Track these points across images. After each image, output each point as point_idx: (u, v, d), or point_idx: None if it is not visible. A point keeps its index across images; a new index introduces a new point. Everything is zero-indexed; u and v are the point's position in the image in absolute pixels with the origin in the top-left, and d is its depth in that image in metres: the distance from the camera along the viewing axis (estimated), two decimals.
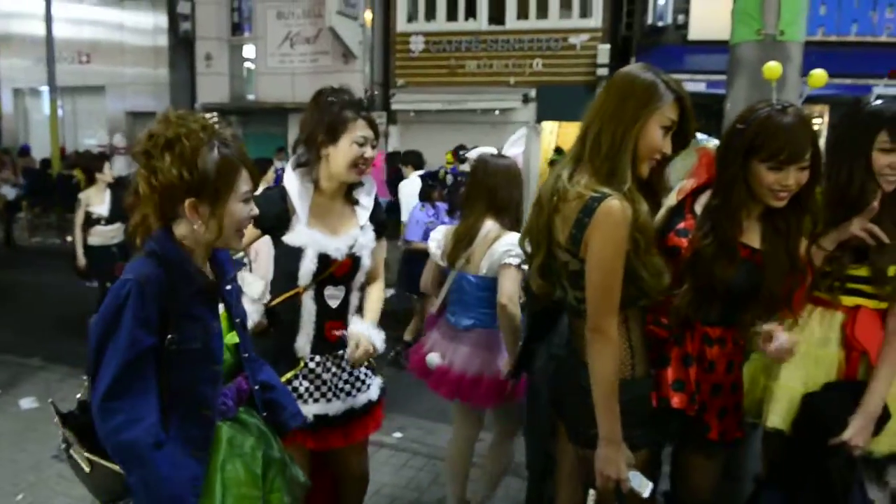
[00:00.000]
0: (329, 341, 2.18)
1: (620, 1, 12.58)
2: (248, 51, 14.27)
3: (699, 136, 1.87)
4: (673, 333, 1.91)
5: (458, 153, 8.12)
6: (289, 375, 2.14)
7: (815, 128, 1.81)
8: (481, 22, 12.88)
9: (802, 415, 1.91)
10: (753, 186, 1.80)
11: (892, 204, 1.89)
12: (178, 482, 1.50)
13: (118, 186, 6.17)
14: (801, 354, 1.92)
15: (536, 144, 4.18)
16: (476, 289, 2.66)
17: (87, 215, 5.83)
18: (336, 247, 2.14)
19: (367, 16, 12.69)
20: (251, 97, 14.21)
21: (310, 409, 2.14)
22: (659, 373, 1.89)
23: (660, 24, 11.73)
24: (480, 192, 2.67)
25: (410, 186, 6.27)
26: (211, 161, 1.52)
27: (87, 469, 1.56)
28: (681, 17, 11.71)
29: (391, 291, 5.55)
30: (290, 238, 2.13)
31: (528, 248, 1.89)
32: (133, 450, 1.47)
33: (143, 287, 1.47)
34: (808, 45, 7.90)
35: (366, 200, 2.25)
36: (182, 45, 14.16)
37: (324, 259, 2.13)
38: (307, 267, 2.12)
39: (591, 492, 1.78)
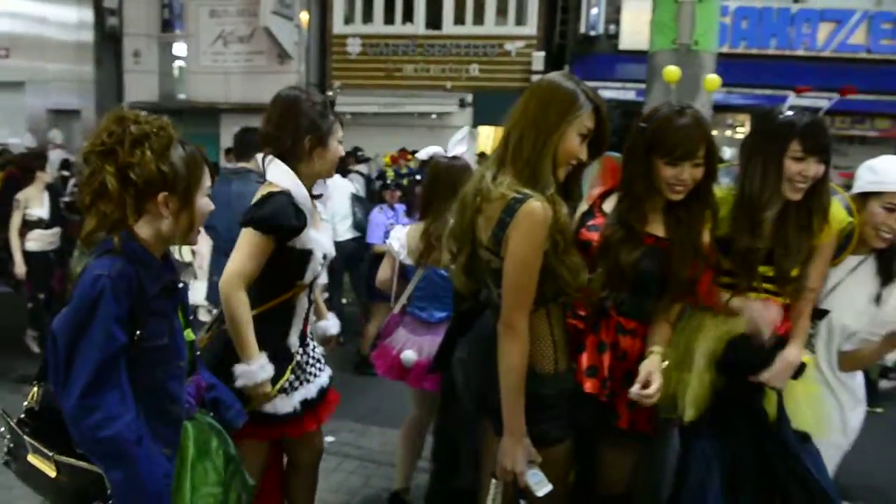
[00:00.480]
0: (304, 333, 2.29)
1: (555, 10, 12.84)
2: (179, 49, 13.85)
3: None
4: (589, 323, 1.99)
5: (405, 155, 8.20)
6: (288, 373, 2.17)
7: (739, 135, 1.93)
8: (418, 26, 12.91)
9: (730, 355, 2.02)
10: (654, 181, 1.92)
11: (797, 211, 1.99)
12: (157, 479, 1.52)
13: (54, 187, 5.88)
14: (714, 348, 2.02)
15: (473, 148, 4.24)
16: (448, 282, 2.70)
17: (25, 218, 5.39)
18: (330, 245, 2.28)
19: (304, 16, 12.54)
20: (182, 96, 13.80)
21: (296, 398, 2.19)
22: (577, 358, 1.98)
23: (592, 33, 12.03)
24: (444, 191, 2.70)
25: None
26: (180, 157, 1.57)
27: (52, 474, 1.52)
28: (612, 28, 12.05)
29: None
30: (299, 242, 2.14)
31: (453, 248, 1.93)
32: (115, 446, 1.46)
33: (115, 283, 1.48)
34: (731, 56, 8.30)
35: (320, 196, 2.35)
36: (108, 42, 13.62)
37: (325, 258, 2.23)
38: (314, 268, 2.19)
39: (493, 482, 1.83)
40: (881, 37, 11.93)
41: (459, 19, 12.75)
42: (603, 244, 1.95)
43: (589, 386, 1.97)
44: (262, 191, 2.17)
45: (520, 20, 12.74)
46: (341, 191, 6.13)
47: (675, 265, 1.93)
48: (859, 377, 2.31)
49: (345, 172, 7.57)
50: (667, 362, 1.98)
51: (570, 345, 1.95)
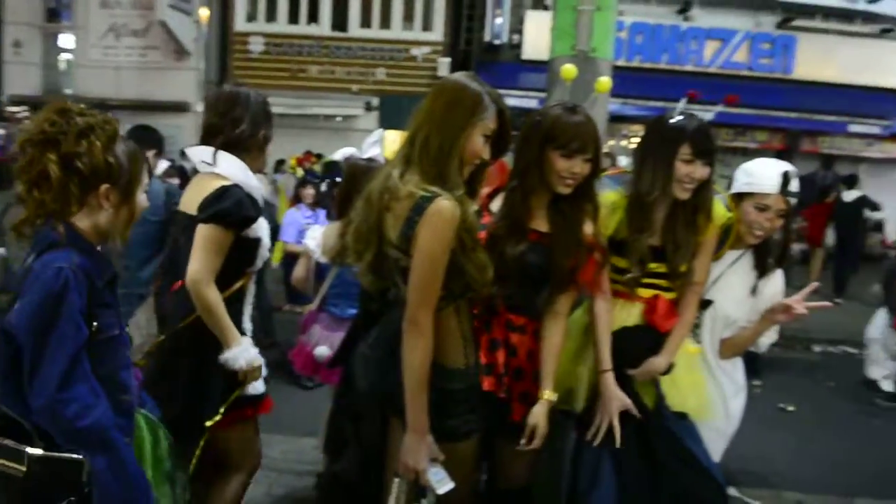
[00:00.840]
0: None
1: (460, 17, 13.03)
2: (66, 40, 13.05)
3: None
4: (481, 321, 2.03)
5: (310, 158, 8.08)
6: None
7: (633, 144, 2.03)
8: (324, 27, 12.75)
9: (618, 346, 2.14)
10: (546, 173, 1.99)
11: (684, 210, 2.11)
12: (135, 463, 1.58)
13: None
14: (607, 342, 2.11)
15: (380, 153, 4.22)
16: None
17: None
18: (268, 231, 2.33)
19: (203, 12, 12.12)
20: (69, 91, 12.98)
21: (260, 383, 2.27)
22: None
23: (496, 42, 12.30)
24: (362, 191, 2.69)
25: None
26: (123, 151, 1.60)
27: (22, 468, 1.46)
28: (515, 37, 12.37)
29: None
30: (251, 231, 2.22)
31: (359, 247, 1.91)
32: (96, 434, 1.49)
33: (77, 275, 1.49)
34: (626, 70, 8.69)
35: None
36: None
37: (267, 244, 2.33)
38: (263, 255, 2.31)
39: (396, 480, 1.83)
40: (760, 56, 12.87)
41: (366, 22, 12.71)
42: (489, 239, 1.99)
43: (487, 384, 2.00)
44: (208, 183, 2.16)
45: (426, 26, 12.85)
46: None
47: (557, 256, 2.00)
48: (740, 366, 2.48)
49: None
50: (549, 398, 2.05)
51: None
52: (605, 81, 2.17)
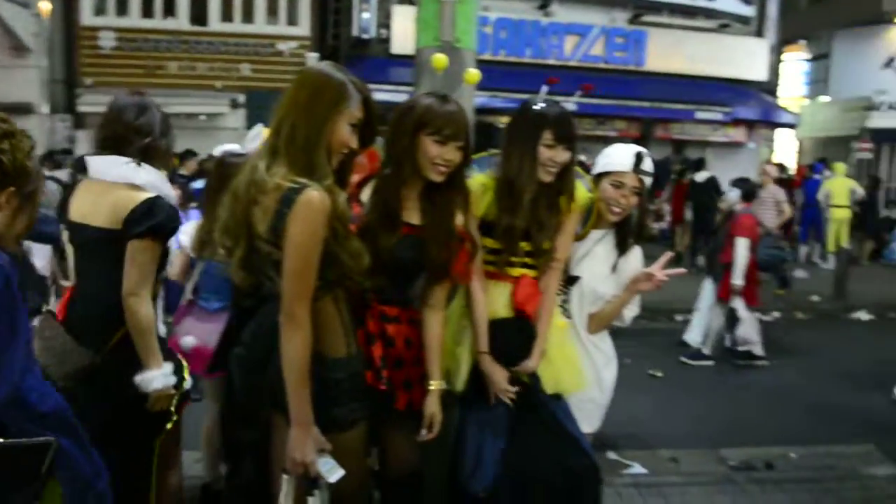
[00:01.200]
0: None
1: (326, 11, 12.84)
2: None
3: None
4: (355, 315, 2.00)
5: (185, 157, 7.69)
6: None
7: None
8: (182, 21, 12.14)
9: (492, 343, 2.21)
10: (419, 160, 2.01)
11: (548, 192, 2.22)
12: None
13: None
14: (484, 325, 2.19)
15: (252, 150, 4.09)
16: (224, 273, 2.71)
17: None
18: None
19: (43, 5, 11.16)
20: None
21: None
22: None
23: (364, 36, 12.24)
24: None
25: None
26: (33, 161, 1.60)
27: None
28: (384, 32, 12.37)
29: None
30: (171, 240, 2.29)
31: (227, 243, 1.86)
32: (58, 416, 1.62)
33: (10, 271, 1.50)
34: (493, 63, 8.93)
35: None
36: None
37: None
38: (170, 259, 2.43)
39: (285, 477, 1.80)
40: (615, 49, 13.67)
41: (227, 16, 12.24)
42: (362, 229, 1.99)
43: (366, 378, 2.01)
44: (118, 194, 2.14)
45: (291, 20, 12.56)
46: None
47: (431, 250, 2.03)
48: (608, 338, 2.64)
49: None
50: (438, 387, 2.12)
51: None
52: (473, 73, 2.23)
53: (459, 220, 2.08)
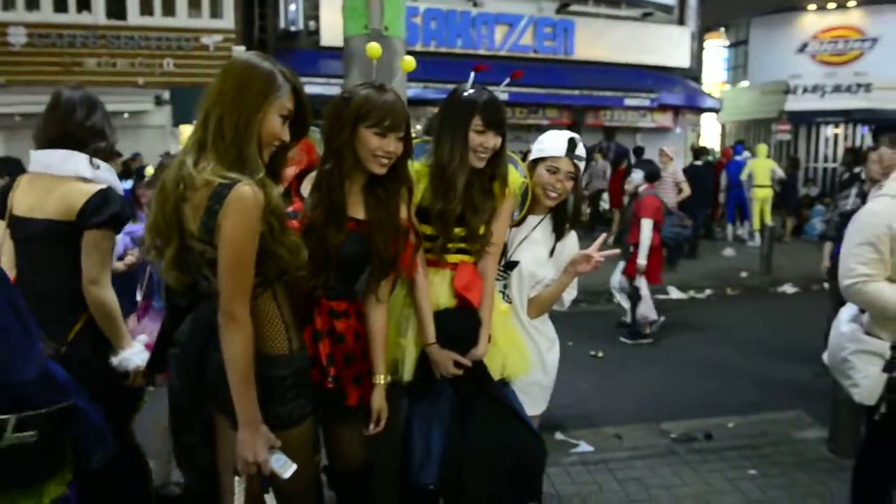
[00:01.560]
0: None
1: (251, 4, 12.51)
2: None
3: (313, 128, 2.00)
4: (302, 314, 1.97)
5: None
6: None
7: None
8: (98, 15, 11.57)
9: (441, 333, 2.19)
10: (360, 153, 1.96)
11: (480, 177, 2.22)
12: None
13: None
14: (429, 315, 2.19)
15: (177, 149, 3.97)
16: None
17: None
18: None
19: None
20: None
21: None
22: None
23: (292, 28, 12.00)
24: None
25: None
26: None
27: (34, 435, 1.75)
28: (312, 24, 12.15)
29: None
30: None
31: (157, 242, 1.79)
32: (69, 383, 1.90)
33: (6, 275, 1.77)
34: (424, 54, 8.87)
35: None
36: None
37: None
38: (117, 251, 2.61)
39: (237, 479, 1.76)
40: (544, 39, 13.84)
41: (146, 10, 11.74)
42: (307, 227, 1.95)
43: (312, 376, 1.97)
44: (66, 186, 2.20)
45: (214, 13, 12.16)
46: None
47: (378, 246, 2.00)
48: (549, 322, 2.67)
49: None
50: (383, 381, 2.10)
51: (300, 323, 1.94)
52: (409, 60, 2.19)
53: (404, 212, 2.05)
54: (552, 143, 2.48)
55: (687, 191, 8.94)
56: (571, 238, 2.59)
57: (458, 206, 2.17)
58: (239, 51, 11.78)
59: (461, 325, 2.22)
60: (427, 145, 2.28)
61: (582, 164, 2.49)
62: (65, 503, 1.95)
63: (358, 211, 2.03)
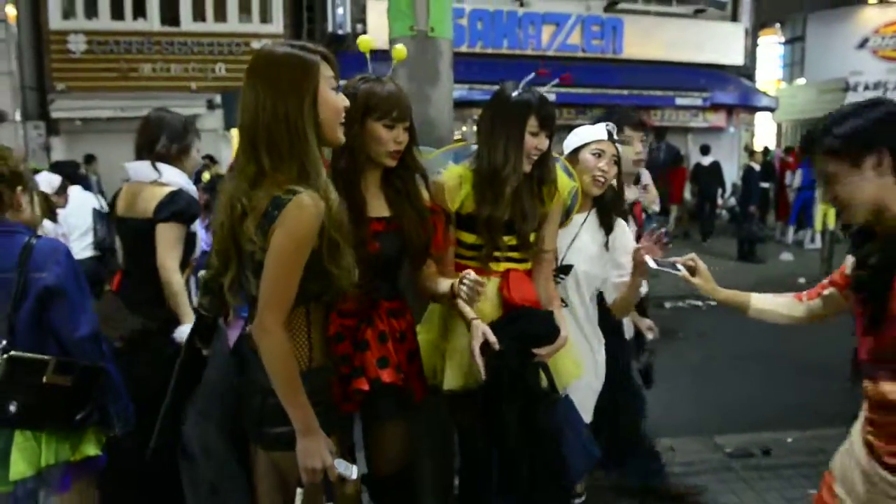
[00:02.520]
0: None
1: (300, 8, 12.68)
2: None
3: None
4: (361, 318, 1.96)
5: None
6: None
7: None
8: (153, 22, 11.92)
9: (517, 326, 2.06)
10: (371, 147, 1.94)
11: (529, 182, 2.14)
12: None
13: None
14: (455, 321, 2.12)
15: (228, 153, 4.01)
16: None
17: None
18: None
19: (10, 10, 10.91)
20: None
21: None
22: (361, 357, 1.94)
23: (340, 32, 12.08)
24: None
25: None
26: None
27: (69, 381, 2.04)
28: (359, 27, 12.22)
29: None
30: (192, 226, 2.72)
31: (219, 266, 1.74)
32: (106, 348, 2.18)
33: (68, 248, 2.19)
34: (470, 55, 8.77)
35: None
36: None
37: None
38: (199, 245, 2.85)
39: (299, 491, 1.70)
40: (592, 38, 13.62)
41: (199, 16, 12.03)
42: None
43: (387, 376, 1.93)
44: (151, 190, 2.64)
45: (264, 18, 12.39)
46: (82, 205, 5.48)
47: (411, 238, 2.00)
48: (596, 321, 2.58)
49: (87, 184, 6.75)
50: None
51: (342, 344, 1.92)
52: (399, 49, 2.16)
53: (426, 195, 2.04)
54: (591, 129, 2.47)
55: (654, 192, 8.75)
56: (621, 227, 2.54)
57: (507, 213, 2.10)
58: None
59: (545, 325, 2.12)
60: (467, 149, 2.22)
61: (621, 149, 2.49)
62: (95, 466, 2.19)
63: (382, 209, 2.00)
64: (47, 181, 4.87)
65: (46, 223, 4.52)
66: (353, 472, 1.70)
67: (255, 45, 12.02)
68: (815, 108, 17.54)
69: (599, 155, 2.40)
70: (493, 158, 2.08)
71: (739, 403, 4.85)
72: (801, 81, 18.77)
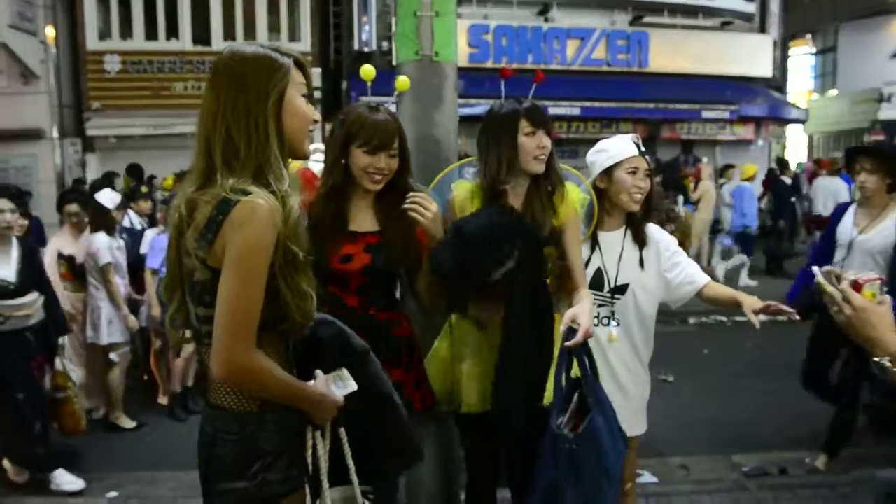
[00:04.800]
0: None
1: (327, 26, 12.90)
2: None
3: None
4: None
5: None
6: None
7: None
8: (185, 42, 12.22)
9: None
10: (354, 171, 2.07)
11: (539, 192, 2.20)
12: None
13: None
14: (476, 344, 2.17)
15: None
16: None
17: None
18: None
19: (49, 32, 11.30)
20: None
21: None
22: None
23: (366, 49, 12.26)
24: None
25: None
26: None
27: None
28: (385, 44, 12.39)
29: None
30: None
31: (164, 297, 1.60)
32: None
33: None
34: (495, 71, 8.75)
35: None
36: None
37: None
38: None
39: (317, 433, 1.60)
40: (618, 52, 13.59)
41: (229, 35, 12.29)
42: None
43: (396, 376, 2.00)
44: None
45: (293, 36, 12.61)
46: None
47: (396, 251, 2.08)
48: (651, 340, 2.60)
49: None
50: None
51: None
52: (403, 80, 2.34)
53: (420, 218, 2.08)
54: (620, 146, 2.46)
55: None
56: (653, 231, 2.53)
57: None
58: (315, 72, 12.15)
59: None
60: (472, 164, 2.30)
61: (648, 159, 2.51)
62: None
63: (373, 225, 2.12)
64: (109, 198, 5.10)
65: (102, 236, 4.73)
66: (349, 384, 1.62)
67: None
68: (848, 119, 17.26)
69: (634, 172, 2.42)
70: (490, 168, 2.16)
71: (760, 422, 4.78)
72: (833, 92, 18.47)
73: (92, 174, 12.00)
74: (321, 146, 2.68)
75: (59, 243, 4.81)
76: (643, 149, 2.47)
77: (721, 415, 4.96)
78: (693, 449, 4.18)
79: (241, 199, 1.36)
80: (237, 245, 1.35)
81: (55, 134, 11.59)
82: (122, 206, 5.58)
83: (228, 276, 1.37)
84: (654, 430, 4.53)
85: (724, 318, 7.71)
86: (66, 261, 4.75)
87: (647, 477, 3.70)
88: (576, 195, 2.26)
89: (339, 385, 1.62)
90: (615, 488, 1.99)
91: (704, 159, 12.21)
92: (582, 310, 2.03)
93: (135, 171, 10.42)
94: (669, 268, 2.49)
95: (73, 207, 4.81)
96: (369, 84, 2.26)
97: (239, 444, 1.45)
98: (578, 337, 1.96)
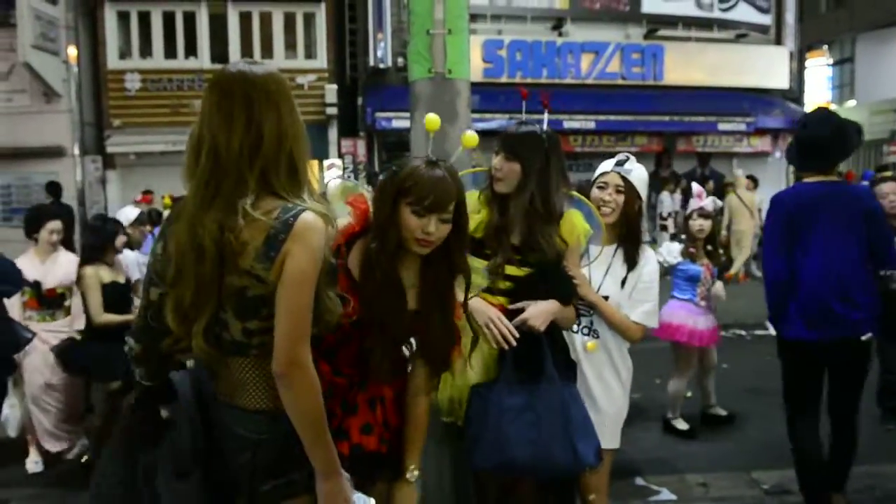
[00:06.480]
0: None
1: (343, 43, 13.03)
2: None
3: None
4: (353, 381, 1.85)
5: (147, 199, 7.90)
6: None
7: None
8: (203, 60, 12.42)
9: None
10: (402, 231, 1.78)
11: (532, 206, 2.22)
12: None
13: None
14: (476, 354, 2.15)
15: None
16: None
17: None
18: None
19: (72, 51, 11.53)
20: None
21: None
22: (347, 419, 1.83)
23: (381, 66, 12.37)
24: None
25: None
26: None
27: None
28: (400, 60, 12.49)
29: None
30: None
31: (189, 314, 1.55)
32: None
33: None
34: (509, 86, 8.83)
35: None
36: None
37: None
38: None
39: None
40: (632, 65, 13.60)
41: (247, 53, 12.47)
42: (362, 317, 1.78)
43: (371, 444, 1.84)
44: None
45: (309, 54, 12.77)
46: None
47: (431, 339, 1.87)
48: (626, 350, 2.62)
49: None
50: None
51: (333, 400, 1.74)
52: (471, 136, 2.11)
53: (460, 298, 1.90)
54: (603, 164, 2.62)
55: None
56: (644, 262, 2.57)
57: (516, 230, 2.19)
58: (331, 89, 12.27)
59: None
60: (483, 173, 2.34)
61: (632, 179, 2.53)
62: None
63: (412, 301, 1.86)
64: (125, 215, 5.18)
65: (127, 252, 4.84)
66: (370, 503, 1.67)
67: (300, 80, 12.40)
68: (867, 129, 17.03)
69: (603, 187, 2.54)
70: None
71: (780, 438, 4.70)
72: (851, 103, 18.31)
73: (112, 191, 12.19)
74: (337, 161, 2.71)
75: (23, 266, 4.00)
76: (627, 167, 2.55)
77: (741, 430, 4.89)
78: (712, 466, 4.12)
79: (301, 213, 1.48)
80: (299, 257, 1.46)
81: (76, 151, 11.80)
82: (137, 224, 5.62)
83: (291, 285, 1.47)
84: (673, 446, 4.54)
85: (743, 333, 7.62)
86: (32, 287, 4.14)
87: (665, 494, 3.65)
88: (580, 225, 2.28)
89: (358, 496, 1.64)
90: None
91: (739, 171, 12.23)
92: (539, 305, 2.14)
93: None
94: (635, 295, 2.53)
95: (56, 224, 4.33)
96: (431, 136, 1.97)
97: (279, 442, 1.56)
98: (516, 321, 2.10)
